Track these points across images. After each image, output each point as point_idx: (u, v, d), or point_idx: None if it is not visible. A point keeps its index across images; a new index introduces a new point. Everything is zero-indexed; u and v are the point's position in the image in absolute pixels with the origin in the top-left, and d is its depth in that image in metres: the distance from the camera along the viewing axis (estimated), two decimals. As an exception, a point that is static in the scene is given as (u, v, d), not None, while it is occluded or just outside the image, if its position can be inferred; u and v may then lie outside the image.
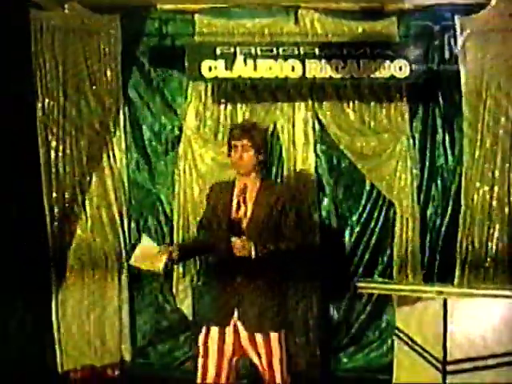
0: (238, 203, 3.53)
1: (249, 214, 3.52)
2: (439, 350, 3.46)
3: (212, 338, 3.51)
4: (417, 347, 3.66)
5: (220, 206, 3.58)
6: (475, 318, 3.47)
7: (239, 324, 3.46)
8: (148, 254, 3.42)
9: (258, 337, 3.45)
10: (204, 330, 3.57)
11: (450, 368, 3.43)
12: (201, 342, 3.56)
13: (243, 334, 3.47)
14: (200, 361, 3.56)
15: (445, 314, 3.41)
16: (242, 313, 3.45)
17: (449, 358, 3.42)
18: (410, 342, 3.72)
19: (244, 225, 3.48)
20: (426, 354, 3.57)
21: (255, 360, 3.53)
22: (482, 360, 3.43)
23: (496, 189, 5.07)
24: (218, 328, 3.50)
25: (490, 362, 3.44)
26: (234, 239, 3.35)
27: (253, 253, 3.35)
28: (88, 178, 5.29)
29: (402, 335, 3.81)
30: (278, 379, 3.48)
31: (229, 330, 3.48)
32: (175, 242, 3.92)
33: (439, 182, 5.29)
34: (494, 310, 3.49)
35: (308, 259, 4.88)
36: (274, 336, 3.47)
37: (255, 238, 3.41)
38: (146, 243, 3.52)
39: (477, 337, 3.45)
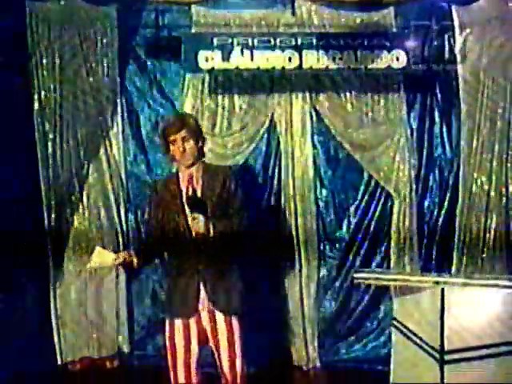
0: (187, 193, 3.54)
1: (200, 197, 3.54)
2: (437, 340, 3.44)
3: (178, 330, 3.57)
4: (414, 337, 3.65)
5: (169, 199, 3.61)
6: (472, 307, 3.46)
7: (205, 306, 3.51)
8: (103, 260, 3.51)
9: (221, 321, 3.53)
10: (168, 323, 3.63)
11: (447, 358, 3.42)
12: (167, 336, 3.63)
13: (206, 319, 3.54)
14: (168, 355, 3.65)
15: (442, 304, 3.40)
16: (209, 294, 3.49)
17: (446, 348, 3.41)
18: (407, 333, 3.71)
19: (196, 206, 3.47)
20: (423, 344, 3.57)
21: (214, 348, 3.62)
22: (480, 350, 3.42)
23: (494, 179, 5.08)
24: (182, 320, 3.56)
25: (488, 351, 3.43)
26: (190, 216, 3.39)
27: (211, 228, 3.38)
28: (85, 170, 5.27)
29: (399, 325, 3.79)
30: (238, 368, 3.61)
31: (192, 320, 3.54)
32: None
33: (437, 172, 5.29)
34: (491, 299, 3.49)
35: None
36: (236, 320, 3.56)
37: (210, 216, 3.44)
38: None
39: (474, 326, 3.45)
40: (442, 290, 3.41)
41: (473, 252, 5.09)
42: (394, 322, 3.88)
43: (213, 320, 3.55)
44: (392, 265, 5.16)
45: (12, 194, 4.85)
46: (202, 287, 3.51)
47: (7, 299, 4.90)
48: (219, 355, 3.64)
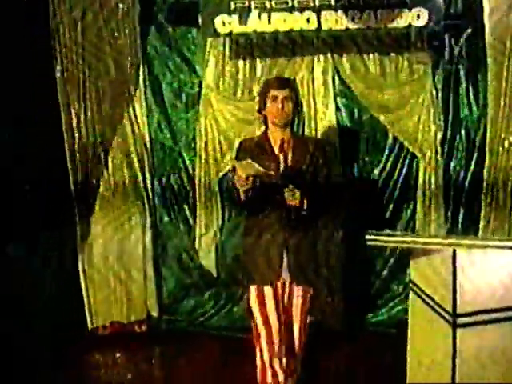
0: (278, 159, 3.56)
1: (290, 166, 3.56)
2: (450, 303, 3.39)
3: (267, 296, 3.56)
4: (429, 300, 3.60)
5: (262, 156, 3.55)
6: (486, 270, 3.38)
7: (286, 278, 3.56)
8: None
9: (298, 290, 3.62)
10: (255, 289, 3.60)
11: (460, 321, 3.36)
12: (254, 303, 3.60)
13: (287, 289, 3.61)
14: (259, 322, 3.59)
15: (454, 266, 3.33)
16: (291, 264, 3.53)
17: (459, 311, 3.35)
18: (423, 295, 3.66)
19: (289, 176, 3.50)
20: (437, 307, 3.51)
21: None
22: (493, 313, 3.36)
23: (521, 139, 4.93)
24: (270, 286, 3.56)
25: (501, 315, 3.37)
26: (287, 189, 3.42)
27: (305, 203, 3.43)
28: (110, 136, 5.32)
29: (415, 288, 3.75)
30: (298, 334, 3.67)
31: (278, 287, 3.59)
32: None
33: (463, 133, 5.17)
34: (506, 262, 3.41)
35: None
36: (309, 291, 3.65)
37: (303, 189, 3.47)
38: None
39: (487, 290, 3.37)
40: (454, 251, 3.33)
41: (500, 214, 4.98)
42: (411, 285, 3.82)
43: (290, 292, 3.63)
44: (417, 227, 5.11)
45: (38, 165, 4.92)
46: (285, 257, 3.55)
47: (35, 261, 5.01)
48: (286, 328, 3.63)
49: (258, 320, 3.60)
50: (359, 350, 4.82)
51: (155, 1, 5.29)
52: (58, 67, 5.14)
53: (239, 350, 4.81)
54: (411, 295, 3.85)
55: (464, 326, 3.38)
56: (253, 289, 3.61)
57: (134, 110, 5.34)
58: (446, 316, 3.43)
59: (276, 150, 3.59)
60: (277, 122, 3.59)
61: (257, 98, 4.97)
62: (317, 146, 3.70)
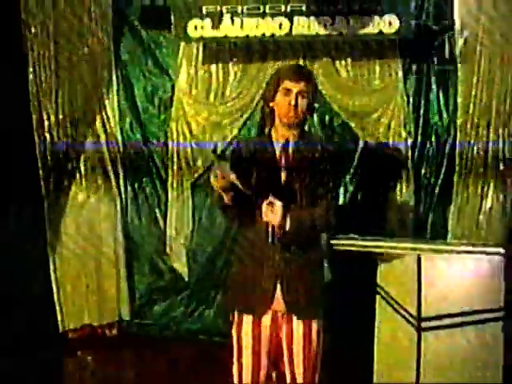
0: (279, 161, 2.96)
1: (290, 175, 2.95)
2: (415, 307, 3.44)
3: (247, 327, 2.99)
4: (395, 304, 3.65)
5: (262, 160, 2.98)
6: (449, 275, 3.44)
7: (280, 308, 2.95)
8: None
9: (299, 325, 2.97)
10: (236, 317, 3.05)
11: (424, 325, 3.42)
12: (234, 332, 3.04)
13: (281, 321, 2.98)
14: (235, 354, 3.03)
15: (419, 271, 3.39)
16: (285, 294, 2.92)
17: (423, 315, 3.41)
18: (389, 299, 3.71)
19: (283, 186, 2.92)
20: (402, 311, 3.56)
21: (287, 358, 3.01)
22: (456, 317, 3.41)
23: (491, 145, 4.97)
24: (253, 317, 2.99)
25: (464, 319, 3.42)
26: (268, 201, 2.79)
27: (287, 224, 2.80)
28: (82, 139, 5.32)
29: (382, 292, 3.80)
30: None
31: (266, 318, 2.98)
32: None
33: (433, 139, 5.20)
34: (468, 267, 3.47)
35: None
36: (316, 324, 2.99)
37: (293, 204, 2.88)
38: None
39: (451, 294, 3.43)
40: (419, 256, 3.38)
41: (469, 220, 5.03)
42: (378, 289, 3.87)
43: (289, 324, 2.99)
44: (388, 231, 5.12)
45: (7, 168, 4.89)
46: (278, 284, 2.94)
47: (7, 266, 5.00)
48: (291, 366, 3.01)
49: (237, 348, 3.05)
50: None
51: (129, 4, 5.30)
52: (30, 69, 5.11)
53: (211, 353, 4.86)
54: (378, 299, 3.90)
55: (428, 329, 3.44)
56: (236, 315, 3.06)
57: (106, 112, 5.34)
58: (411, 320, 3.48)
59: (277, 152, 2.98)
60: (285, 120, 2.95)
61: (230, 98, 5.23)
62: (320, 149, 2.99)
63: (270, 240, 2.82)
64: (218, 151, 5.11)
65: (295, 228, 2.83)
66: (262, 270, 2.93)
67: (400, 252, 3.57)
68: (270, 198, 2.78)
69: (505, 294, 3.50)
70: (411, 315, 3.49)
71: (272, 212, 2.78)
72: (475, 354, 3.45)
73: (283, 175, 2.93)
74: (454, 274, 3.47)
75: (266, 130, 3.08)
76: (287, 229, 2.81)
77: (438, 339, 3.44)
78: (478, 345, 3.43)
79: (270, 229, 2.81)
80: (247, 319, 3.00)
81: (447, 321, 3.44)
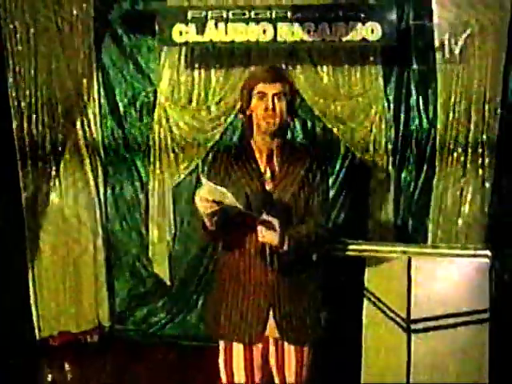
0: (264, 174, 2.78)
1: (278, 189, 2.76)
2: (404, 310, 3.49)
3: (238, 358, 2.84)
4: (383, 307, 3.69)
5: (240, 179, 2.77)
6: (438, 277, 3.51)
7: (272, 334, 2.80)
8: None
9: (290, 351, 2.86)
10: (222, 345, 2.90)
11: (414, 327, 3.47)
12: (221, 361, 2.90)
13: (272, 348, 2.87)
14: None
15: (409, 274, 3.45)
16: (278, 319, 2.77)
17: (412, 317, 3.46)
18: (377, 302, 3.76)
19: (274, 202, 2.72)
20: (391, 314, 3.61)
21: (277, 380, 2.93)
22: (446, 318, 3.48)
23: (470, 151, 5.06)
24: (244, 345, 2.83)
25: (452, 320, 3.49)
26: (261, 218, 2.57)
27: (285, 242, 2.59)
28: (62, 145, 5.27)
29: (369, 295, 3.84)
30: None
31: (257, 346, 2.84)
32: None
33: (414, 144, 5.27)
34: (457, 269, 3.53)
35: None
36: (307, 351, 2.89)
37: (285, 221, 2.65)
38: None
39: (440, 296, 3.49)
40: (409, 259, 3.44)
41: (448, 224, 5.12)
42: (365, 292, 3.91)
43: (280, 349, 2.87)
44: (369, 235, 5.18)
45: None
46: (271, 310, 2.77)
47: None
48: None
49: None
50: None
51: (110, 9, 5.27)
52: (10, 73, 5.07)
53: (193, 358, 4.86)
54: (365, 302, 3.94)
55: (418, 331, 3.49)
56: (222, 345, 2.91)
57: (87, 117, 5.30)
58: (401, 322, 3.53)
59: (261, 165, 2.80)
60: (264, 127, 2.74)
61: (213, 103, 5.20)
62: (312, 156, 2.85)
63: (267, 261, 2.66)
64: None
65: (293, 247, 2.62)
66: (252, 294, 2.76)
67: (390, 255, 3.61)
68: (264, 216, 2.55)
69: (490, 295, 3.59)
70: (401, 317, 3.53)
71: (269, 231, 2.55)
72: (463, 355, 3.51)
73: (270, 190, 2.74)
74: (442, 277, 3.53)
75: (245, 142, 2.91)
76: (285, 248, 2.60)
77: (427, 341, 3.48)
78: (465, 346, 3.49)
79: (267, 249, 2.64)
80: (237, 348, 2.83)
81: (436, 322, 3.49)
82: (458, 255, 3.56)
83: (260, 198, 2.71)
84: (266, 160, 2.79)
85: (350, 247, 3.85)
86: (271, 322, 2.77)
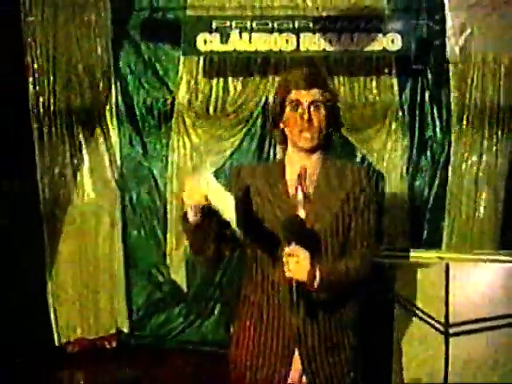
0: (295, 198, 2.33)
1: (311, 215, 2.31)
2: (441, 314, 3.58)
3: None
4: (418, 312, 3.78)
5: (264, 202, 2.35)
6: (476, 282, 3.61)
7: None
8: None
9: None
10: None
11: (452, 330, 3.56)
12: None
13: None
14: None
15: (447, 279, 3.54)
16: (307, 367, 2.35)
17: (451, 321, 3.55)
18: (411, 307, 3.84)
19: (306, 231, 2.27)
20: (427, 318, 3.69)
21: None
22: (484, 322, 3.57)
23: (484, 158, 5.18)
24: None
25: (490, 324, 3.59)
26: (288, 249, 2.17)
27: (317, 279, 2.18)
28: (81, 154, 5.29)
29: (402, 300, 3.92)
30: None
31: None
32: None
33: (428, 153, 5.39)
34: (493, 273, 3.64)
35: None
36: None
37: (318, 253, 2.27)
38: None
39: (478, 300, 3.59)
40: (447, 265, 3.53)
41: (462, 231, 5.23)
42: (397, 298, 3.99)
43: None
44: (383, 241, 5.27)
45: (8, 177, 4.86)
46: (296, 353, 2.36)
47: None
48: None
49: None
50: None
51: (129, 17, 5.31)
52: (30, 79, 5.08)
53: (210, 364, 4.88)
54: (397, 307, 4.02)
55: (455, 334, 3.58)
56: None
57: (106, 125, 5.33)
58: (438, 326, 3.62)
59: (291, 186, 2.37)
60: (300, 143, 2.33)
61: (231, 111, 5.25)
62: (360, 178, 2.40)
63: (294, 299, 2.18)
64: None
65: (326, 285, 2.21)
66: (276, 337, 2.36)
67: (426, 261, 3.71)
68: (292, 247, 2.15)
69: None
70: (438, 321, 3.61)
71: (298, 265, 2.14)
72: (499, 358, 3.61)
73: (302, 217, 2.29)
74: (479, 281, 3.63)
75: (278, 158, 2.62)
76: (315, 286, 2.19)
77: (464, 344, 3.57)
78: (502, 348, 3.59)
79: (293, 285, 2.17)
80: None
81: (473, 326, 3.58)
82: (493, 260, 3.65)
83: (289, 225, 2.24)
84: (297, 180, 2.33)
85: (388, 253, 3.93)
86: (298, 368, 2.37)
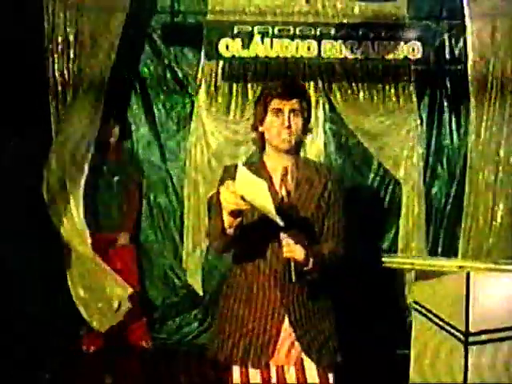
0: (281, 200, 2.59)
1: (294, 208, 2.59)
2: (461, 322, 3.58)
3: (254, 379, 2.59)
4: (437, 319, 3.78)
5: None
6: (497, 291, 3.60)
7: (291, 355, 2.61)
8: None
9: (313, 375, 2.62)
10: (237, 371, 2.64)
11: (472, 339, 3.56)
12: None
13: (290, 372, 2.63)
14: None
15: (467, 288, 3.53)
16: (298, 335, 2.60)
17: (471, 330, 3.55)
18: (429, 315, 3.84)
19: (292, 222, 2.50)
20: (446, 326, 3.70)
21: None
22: (504, 331, 3.58)
23: (501, 168, 5.20)
24: (259, 370, 2.59)
25: (510, 333, 3.59)
26: (284, 236, 2.43)
27: (310, 260, 2.47)
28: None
29: (420, 308, 3.93)
30: None
31: (273, 371, 2.62)
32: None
33: (445, 161, 5.41)
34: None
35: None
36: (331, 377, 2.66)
37: (311, 237, 2.61)
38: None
39: (498, 309, 3.59)
40: (468, 273, 3.53)
41: (479, 239, 5.23)
42: (414, 305, 4.00)
43: (300, 373, 2.63)
44: (398, 252, 5.28)
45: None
46: (287, 324, 2.60)
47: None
48: None
49: None
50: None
51: (150, 20, 5.34)
52: (51, 80, 5.09)
53: (226, 368, 4.86)
54: (414, 315, 4.03)
55: (476, 343, 3.58)
56: (236, 370, 2.65)
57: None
58: (458, 334, 3.62)
59: (276, 183, 2.64)
60: (279, 145, 2.61)
61: (250, 115, 5.21)
62: (328, 175, 2.70)
63: (292, 278, 2.42)
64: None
65: (316, 264, 2.50)
66: (269, 313, 2.60)
67: (446, 270, 3.71)
68: (291, 231, 2.43)
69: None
70: (458, 330, 3.62)
71: (295, 246, 2.41)
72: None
73: (286, 209, 2.52)
74: (499, 291, 3.63)
75: (257, 158, 2.79)
76: (310, 265, 2.47)
77: (486, 353, 3.57)
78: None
79: (292, 265, 2.42)
80: (253, 375, 2.59)
81: (493, 335, 3.58)
82: (512, 270, 3.65)
83: (283, 211, 2.45)
84: (281, 178, 2.61)
85: (406, 261, 3.94)
86: (289, 338, 2.60)
